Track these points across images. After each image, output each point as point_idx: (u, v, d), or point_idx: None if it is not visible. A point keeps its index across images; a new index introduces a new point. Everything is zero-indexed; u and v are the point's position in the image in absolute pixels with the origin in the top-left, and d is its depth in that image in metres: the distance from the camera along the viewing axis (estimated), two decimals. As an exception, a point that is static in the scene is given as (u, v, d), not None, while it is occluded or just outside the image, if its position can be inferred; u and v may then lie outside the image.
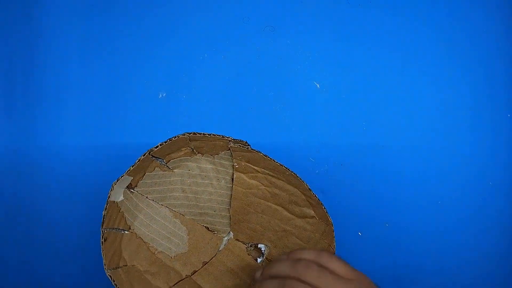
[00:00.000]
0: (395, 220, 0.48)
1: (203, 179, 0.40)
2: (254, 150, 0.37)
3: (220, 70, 0.47)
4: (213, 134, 0.37)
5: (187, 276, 0.39)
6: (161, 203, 0.39)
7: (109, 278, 0.34)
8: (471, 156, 0.48)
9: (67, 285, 0.49)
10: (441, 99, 0.49)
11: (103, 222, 0.34)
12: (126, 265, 0.36)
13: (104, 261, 0.34)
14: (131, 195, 0.37)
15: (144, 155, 0.35)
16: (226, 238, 0.41)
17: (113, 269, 0.34)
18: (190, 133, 0.36)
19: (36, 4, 0.50)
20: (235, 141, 0.37)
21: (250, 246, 0.42)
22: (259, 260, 0.41)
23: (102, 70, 0.49)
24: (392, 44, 0.49)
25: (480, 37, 0.49)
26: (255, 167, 0.39)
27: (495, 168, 0.48)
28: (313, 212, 0.40)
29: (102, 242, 0.34)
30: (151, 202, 0.38)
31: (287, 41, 0.48)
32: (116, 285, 0.34)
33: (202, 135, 0.36)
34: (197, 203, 0.40)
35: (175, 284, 0.38)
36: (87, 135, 0.49)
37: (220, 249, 0.41)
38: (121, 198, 0.36)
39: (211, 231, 0.41)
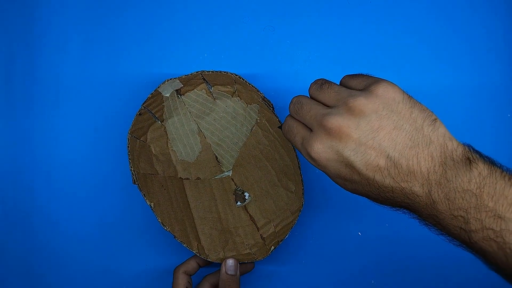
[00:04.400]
0: (395, 220, 0.49)
1: (232, 119, 0.48)
2: (275, 113, 0.44)
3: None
4: (252, 85, 0.45)
5: (180, 178, 0.48)
6: (194, 118, 0.48)
7: (127, 139, 0.44)
8: None
9: (69, 283, 0.51)
10: (441, 99, 0.49)
11: (145, 101, 0.45)
12: (144, 142, 0.46)
13: (131, 126, 0.44)
14: (177, 98, 0.47)
15: (196, 72, 0.45)
16: (226, 173, 0.49)
17: (134, 137, 0.45)
18: (236, 75, 0.45)
19: (36, 4, 0.50)
20: (265, 99, 0.45)
21: (239, 189, 0.49)
22: (238, 203, 0.48)
23: (102, 72, 0.50)
24: (392, 44, 0.50)
25: (480, 36, 0.49)
26: (270, 129, 0.46)
27: None
28: (294, 188, 0.46)
29: (137, 114, 0.45)
30: (188, 113, 0.48)
31: (287, 41, 0.50)
32: (128, 146, 0.44)
33: (245, 81, 0.45)
34: (219, 135, 0.49)
35: (169, 177, 0.47)
36: (87, 135, 0.50)
37: (216, 177, 0.49)
38: (167, 95, 0.46)
39: (218, 161, 0.49)
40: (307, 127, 0.32)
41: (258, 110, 0.47)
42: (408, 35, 0.50)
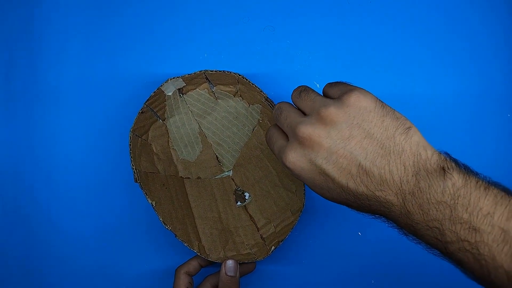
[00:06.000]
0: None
1: (234, 119, 0.48)
2: None
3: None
4: (255, 85, 0.45)
5: (181, 177, 0.48)
6: (196, 117, 0.48)
7: (129, 137, 0.44)
8: (471, 156, 0.48)
9: (70, 283, 0.51)
10: (441, 99, 0.50)
11: (148, 99, 0.45)
12: (146, 140, 0.46)
13: (133, 124, 0.44)
14: (179, 97, 0.47)
15: (200, 72, 0.45)
16: (226, 173, 0.49)
17: (135, 135, 0.45)
18: (240, 75, 0.45)
19: (36, 4, 0.50)
20: (268, 99, 0.45)
21: (239, 189, 0.49)
22: (238, 203, 0.49)
23: (103, 71, 0.50)
24: (393, 44, 0.50)
25: (480, 36, 0.49)
26: None
27: (495, 168, 0.49)
28: (295, 188, 0.46)
29: (139, 112, 0.45)
30: (189, 112, 0.48)
31: (287, 41, 0.50)
32: (130, 145, 0.44)
33: (248, 81, 0.45)
34: (220, 134, 0.49)
35: (169, 176, 0.47)
36: (88, 134, 0.50)
37: (216, 177, 0.49)
38: (170, 93, 0.46)
39: (218, 161, 0.49)
40: (286, 135, 0.33)
41: (260, 110, 0.47)
42: (408, 35, 0.50)
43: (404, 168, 0.28)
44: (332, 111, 0.29)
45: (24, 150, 0.51)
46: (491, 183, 0.28)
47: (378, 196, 0.29)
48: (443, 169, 0.27)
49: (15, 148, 0.51)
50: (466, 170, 0.28)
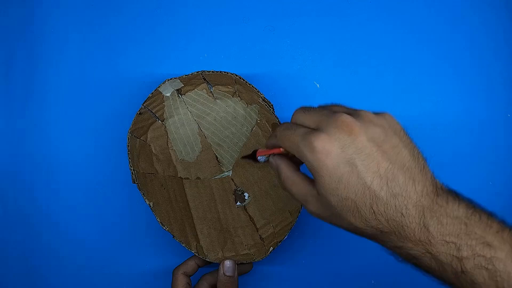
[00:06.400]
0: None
1: (232, 119, 0.48)
2: (274, 114, 0.44)
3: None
4: (252, 85, 0.45)
5: (180, 178, 0.48)
6: (195, 118, 0.48)
7: (127, 138, 0.44)
8: (471, 156, 0.49)
9: (69, 283, 0.51)
10: (441, 99, 0.50)
11: (146, 101, 0.45)
12: (144, 141, 0.46)
13: (131, 126, 0.44)
14: (177, 98, 0.47)
15: (197, 72, 0.45)
16: (226, 173, 0.49)
17: (133, 136, 0.45)
18: (237, 75, 0.45)
19: (36, 4, 0.50)
20: (265, 99, 0.45)
21: (238, 190, 0.49)
22: (238, 203, 0.48)
23: (102, 72, 0.50)
24: (393, 44, 0.50)
25: (479, 36, 0.49)
26: (270, 129, 0.46)
27: (495, 168, 0.49)
28: (294, 189, 0.46)
29: (137, 113, 0.45)
30: (188, 112, 0.48)
31: (287, 41, 0.50)
32: (128, 146, 0.44)
33: (245, 82, 0.45)
34: (219, 135, 0.49)
35: (168, 176, 0.47)
36: (87, 134, 0.50)
37: (216, 177, 0.49)
38: (168, 94, 0.46)
39: (218, 161, 0.49)
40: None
41: (258, 111, 0.47)
42: (408, 35, 0.50)
43: (424, 184, 0.29)
44: (372, 114, 0.30)
45: (24, 150, 0.51)
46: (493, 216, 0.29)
47: (397, 205, 0.28)
48: (455, 193, 0.30)
49: (15, 148, 0.51)
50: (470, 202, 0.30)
